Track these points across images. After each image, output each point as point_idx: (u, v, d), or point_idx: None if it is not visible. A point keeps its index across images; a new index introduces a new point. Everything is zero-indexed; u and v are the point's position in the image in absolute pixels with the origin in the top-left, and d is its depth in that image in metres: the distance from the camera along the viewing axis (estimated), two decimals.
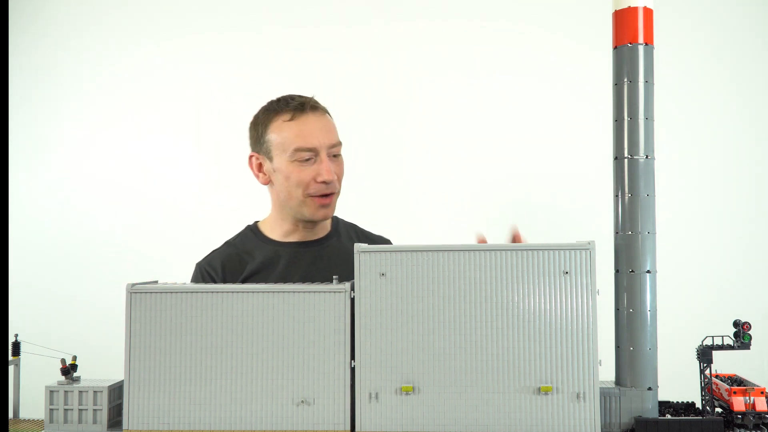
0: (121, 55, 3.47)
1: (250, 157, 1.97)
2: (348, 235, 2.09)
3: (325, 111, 1.95)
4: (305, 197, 1.89)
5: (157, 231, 3.39)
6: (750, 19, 3.18)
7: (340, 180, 1.94)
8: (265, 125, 1.91)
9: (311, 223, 1.98)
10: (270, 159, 1.91)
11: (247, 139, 1.98)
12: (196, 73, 3.43)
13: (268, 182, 1.96)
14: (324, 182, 1.87)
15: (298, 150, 1.85)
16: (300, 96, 1.93)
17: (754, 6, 3.18)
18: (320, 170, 1.87)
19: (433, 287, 1.36)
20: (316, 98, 1.95)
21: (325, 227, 2.05)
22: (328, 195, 1.90)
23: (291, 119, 1.88)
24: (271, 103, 1.95)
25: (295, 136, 1.86)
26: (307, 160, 1.86)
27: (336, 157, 1.93)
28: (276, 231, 2.01)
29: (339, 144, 1.94)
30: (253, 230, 2.05)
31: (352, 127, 3.23)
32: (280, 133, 1.88)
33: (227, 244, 2.03)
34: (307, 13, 3.38)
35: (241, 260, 1.96)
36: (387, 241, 2.15)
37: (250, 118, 1.97)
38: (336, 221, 2.11)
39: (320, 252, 1.99)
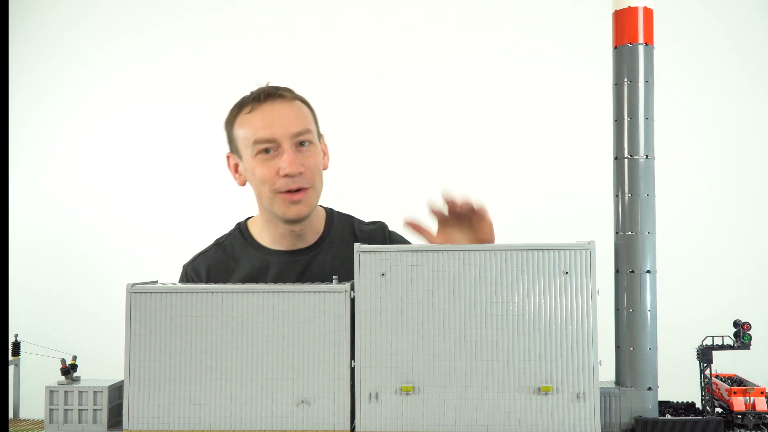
0: (119, 56, 3.47)
1: (227, 157, 1.86)
2: (342, 234, 1.94)
3: (292, 98, 1.78)
4: (273, 194, 1.74)
5: (157, 231, 3.39)
6: (750, 19, 3.18)
7: (313, 172, 1.77)
8: (231, 122, 1.79)
9: (293, 224, 1.82)
10: (241, 158, 1.79)
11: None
12: (195, 71, 3.43)
13: (244, 183, 1.84)
14: (287, 176, 1.71)
15: (256, 142, 1.71)
16: (265, 87, 1.79)
17: (754, 6, 3.18)
18: (281, 163, 1.70)
19: (433, 287, 1.36)
20: (290, 87, 1.80)
21: (317, 230, 1.91)
22: (297, 190, 1.74)
23: (250, 111, 1.74)
24: (242, 97, 1.81)
25: (254, 127, 1.72)
26: (268, 152, 1.72)
27: (304, 145, 1.75)
28: (264, 235, 1.89)
29: (307, 131, 1.75)
30: (242, 231, 1.93)
31: (355, 124, 3.24)
32: (242, 127, 1.75)
33: (216, 244, 1.94)
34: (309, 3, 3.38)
35: (227, 266, 1.87)
36: (383, 226, 2.02)
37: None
38: (330, 218, 1.96)
39: (310, 262, 1.87)
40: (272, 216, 1.81)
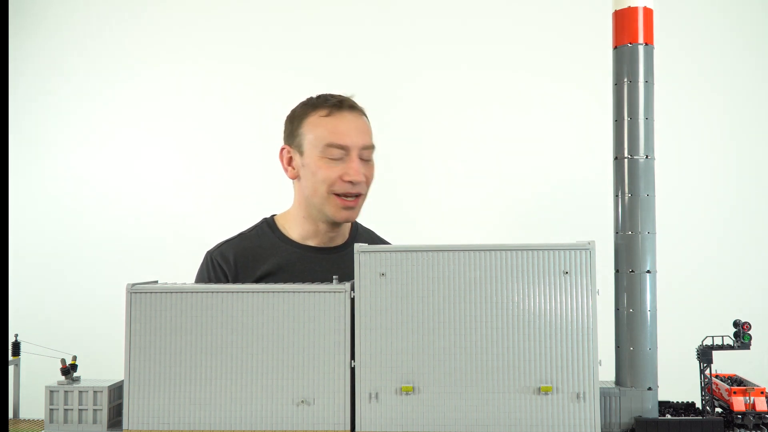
0: (123, 54, 3.47)
1: (282, 149, 1.95)
2: (366, 242, 2.04)
3: (362, 113, 1.93)
4: (329, 195, 1.85)
5: (157, 231, 3.39)
6: (749, 19, 3.18)
7: (368, 183, 1.91)
8: (301, 119, 1.89)
9: (333, 226, 1.93)
10: (300, 153, 1.88)
11: (281, 132, 1.97)
12: (195, 74, 3.43)
13: (295, 177, 1.93)
14: (350, 182, 1.84)
15: (329, 146, 1.83)
16: (340, 95, 1.92)
17: (754, 6, 3.18)
18: (348, 169, 1.84)
19: (433, 287, 1.36)
20: (354, 99, 1.95)
21: (344, 234, 2.01)
22: (353, 196, 1.87)
23: (327, 115, 1.86)
24: (310, 98, 1.93)
25: (329, 132, 1.84)
26: (338, 158, 1.84)
27: (367, 160, 1.90)
28: (295, 230, 1.96)
29: (372, 147, 1.90)
30: (270, 225, 2.00)
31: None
32: (314, 128, 1.86)
33: (241, 236, 1.98)
34: (321, 13, 3.37)
35: (255, 258, 1.91)
36: None
37: (287, 112, 1.96)
38: (355, 227, 2.08)
39: (339, 260, 1.94)
40: (315, 213, 1.90)
